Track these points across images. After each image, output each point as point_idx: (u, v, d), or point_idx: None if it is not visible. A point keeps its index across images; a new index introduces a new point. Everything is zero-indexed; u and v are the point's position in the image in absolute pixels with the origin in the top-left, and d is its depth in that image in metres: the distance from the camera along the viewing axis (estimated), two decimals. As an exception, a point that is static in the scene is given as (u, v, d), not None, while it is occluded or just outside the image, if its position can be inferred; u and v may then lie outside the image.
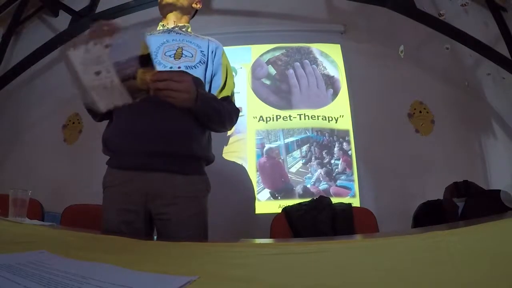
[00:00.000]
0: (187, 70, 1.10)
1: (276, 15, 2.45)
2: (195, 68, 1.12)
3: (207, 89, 1.14)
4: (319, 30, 2.42)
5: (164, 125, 1.03)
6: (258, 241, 0.98)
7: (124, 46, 0.76)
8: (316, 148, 2.16)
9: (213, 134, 1.19)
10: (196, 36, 1.23)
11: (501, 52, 1.99)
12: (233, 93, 1.20)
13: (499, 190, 1.35)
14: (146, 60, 0.79)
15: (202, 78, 1.13)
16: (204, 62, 1.15)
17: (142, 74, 0.79)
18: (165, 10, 1.23)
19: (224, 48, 1.26)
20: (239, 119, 1.21)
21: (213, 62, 1.17)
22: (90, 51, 0.76)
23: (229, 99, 1.16)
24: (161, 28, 1.24)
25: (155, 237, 1.06)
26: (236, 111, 1.17)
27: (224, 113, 1.10)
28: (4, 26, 2.48)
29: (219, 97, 1.13)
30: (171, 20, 1.23)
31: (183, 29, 1.23)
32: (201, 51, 1.17)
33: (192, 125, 1.06)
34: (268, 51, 2.37)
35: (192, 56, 1.14)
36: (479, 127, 2.21)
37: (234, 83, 1.21)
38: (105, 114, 1.11)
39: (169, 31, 1.21)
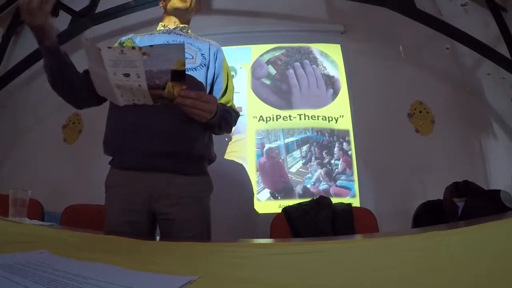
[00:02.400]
0: (187, 72, 1.10)
1: (276, 15, 2.45)
2: (196, 70, 1.12)
3: (208, 91, 1.15)
4: (319, 30, 2.41)
5: (167, 125, 1.03)
6: (258, 241, 0.98)
7: (161, 58, 0.80)
8: (316, 148, 2.16)
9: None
10: (196, 38, 1.23)
11: (501, 52, 1.98)
12: (233, 96, 1.23)
13: (499, 190, 1.35)
14: (178, 75, 0.83)
15: (203, 81, 1.13)
16: (205, 65, 1.15)
17: (171, 87, 0.85)
18: (170, 11, 1.23)
19: (224, 48, 1.27)
20: (239, 118, 1.25)
21: (215, 65, 1.18)
22: (125, 53, 0.79)
23: (230, 104, 1.19)
24: (162, 28, 1.23)
25: (158, 237, 1.06)
26: (238, 115, 1.22)
27: (231, 122, 1.15)
28: (4, 26, 2.48)
29: (221, 101, 1.14)
30: (172, 22, 1.23)
31: (184, 30, 1.23)
32: (202, 54, 1.17)
33: (194, 125, 1.06)
34: (268, 51, 2.37)
35: (193, 58, 1.14)
36: (479, 127, 2.20)
37: (233, 86, 1.24)
38: (90, 101, 1.09)
39: (169, 32, 1.21)
